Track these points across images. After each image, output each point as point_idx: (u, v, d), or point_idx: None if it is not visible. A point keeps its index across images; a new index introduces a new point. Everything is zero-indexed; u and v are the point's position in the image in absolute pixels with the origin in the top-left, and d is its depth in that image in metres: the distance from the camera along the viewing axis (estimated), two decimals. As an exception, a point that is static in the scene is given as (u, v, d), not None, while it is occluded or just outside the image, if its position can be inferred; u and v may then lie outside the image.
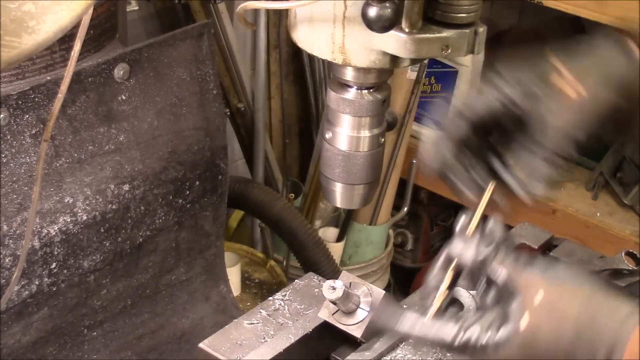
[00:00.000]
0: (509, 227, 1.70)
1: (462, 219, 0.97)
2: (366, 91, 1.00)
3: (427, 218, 3.15)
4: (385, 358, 1.10)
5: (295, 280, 1.22)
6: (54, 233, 1.44)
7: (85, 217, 1.48)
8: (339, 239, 2.58)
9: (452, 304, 1.40)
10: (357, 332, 1.08)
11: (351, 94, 1.00)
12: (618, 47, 1.01)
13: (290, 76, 2.83)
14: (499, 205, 1.01)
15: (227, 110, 2.50)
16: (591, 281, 0.92)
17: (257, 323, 1.13)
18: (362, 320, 1.08)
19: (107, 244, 1.54)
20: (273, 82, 2.75)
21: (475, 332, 0.90)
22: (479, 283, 0.94)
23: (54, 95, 1.34)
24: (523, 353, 0.90)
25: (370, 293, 1.09)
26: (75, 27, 0.83)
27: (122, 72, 1.46)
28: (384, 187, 2.70)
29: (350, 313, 1.09)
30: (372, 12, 0.87)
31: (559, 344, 0.89)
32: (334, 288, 1.05)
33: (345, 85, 1.00)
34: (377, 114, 1.02)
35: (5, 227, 1.37)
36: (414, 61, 0.96)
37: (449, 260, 0.96)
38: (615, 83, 0.99)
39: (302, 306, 1.16)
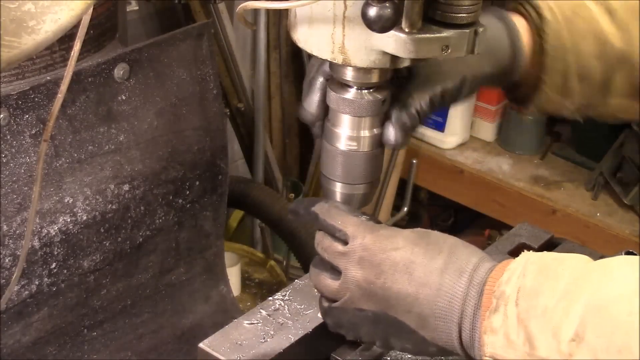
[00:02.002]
0: (508, 228, 1.70)
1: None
2: (366, 91, 1.00)
3: (427, 218, 3.15)
4: (385, 358, 1.10)
5: (295, 280, 1.22)
6: (54, 233, 1.44)
7: (85, 217, 1.48)
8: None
9: None
10: (357, 332, 1.08)
11: (351, 94, 1.01)
12: (503, 25, 1.09)
13: (290, 76, 2.83)
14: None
15: (227, 110, 2.51)
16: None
17: (257, 323, 1.13)
18: (362, 320, 1.08)
19: (107, 244, 1.54)
20: (273, 82, 2.75)
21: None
22: None
23: (54, 95, 1.34)
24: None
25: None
26: (75, 27, 0.83)
27: (122, 72, 1.46)
28: (384, 187, 2.70)
29: (350, 313, 1.09)
30: (372, 12, 0.87)
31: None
32: (334, 288, 1.05)
33: (345, 85, 1.01)
34: (377, 114, 1.02)
35: (5, 227, 1.37)
36: (414, 61, 0.96)
37: None
38: (493, 57, 1.08)
39: (302, 306, 1.16)
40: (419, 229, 1.00)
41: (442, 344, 0.95)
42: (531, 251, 0.92)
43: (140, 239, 1.60)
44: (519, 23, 1.10)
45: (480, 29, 0.93)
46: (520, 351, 0.86)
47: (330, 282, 1.01)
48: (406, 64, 0.96)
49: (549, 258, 0.90)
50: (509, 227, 1.77)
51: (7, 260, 1.38)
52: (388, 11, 0.87)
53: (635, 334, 0.78)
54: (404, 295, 0.95)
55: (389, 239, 0.98)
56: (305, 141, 2.97)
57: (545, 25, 1.10)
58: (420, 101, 1.01)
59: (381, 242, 0.97)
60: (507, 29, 1.09)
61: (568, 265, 0.87)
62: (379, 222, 1.03)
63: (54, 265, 1.46)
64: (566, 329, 0.82)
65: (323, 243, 1.02)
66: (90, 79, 1.42)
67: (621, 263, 0.85)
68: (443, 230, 1.02)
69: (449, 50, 0.92)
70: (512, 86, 1.15)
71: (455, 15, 0.91)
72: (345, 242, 0.99)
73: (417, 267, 0.95)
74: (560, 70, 1.10)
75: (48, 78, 1.37)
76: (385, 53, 0.93)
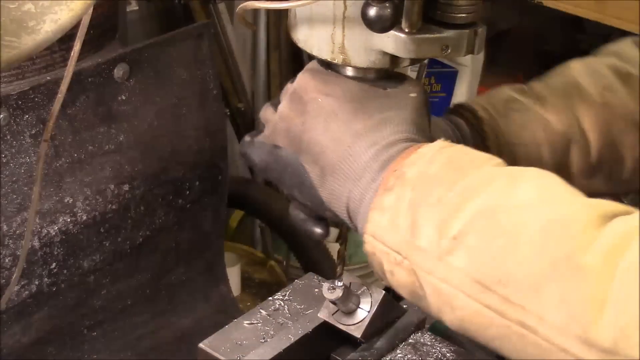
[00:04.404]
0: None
1: None
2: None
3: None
4: (385, 358, 1.10)
5: (295, 280, 1.22)
6: (54, 233, 1.44)
7: (85, 217, 1.48)
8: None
9: None
10: (357, 332, 1.08)
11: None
12: (445, 123, 1.13)
13: (290, 76, 2.83)
14: None
15: (227, 111, 2.51)
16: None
17: (257, 323, 1.13)
18: (362, 320, 1.08)
19: (107, 244, 1.54)
20: (273, 82, 2.75)
21: None
22: None
23: (54, 95, 1.34)
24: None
25: (370, 293, 1.09)
26: (75, 27, 0.83)
27: (122, 72, 1.46)
28: (384, 187, 2.70)
29: (350, 313, 1.09)
30: (372, 12, 0.87)
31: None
32: (334, 288, 1.05)
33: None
34: (377, 114, 1.02)
35: (5, 227, 1.37)
36: (413, 61, 0.96)
37: None
38: None
39: (302, 306, 1.16)
40: (381, 90, 0.96)
41: (335, 209, 0.93)
42: (449, 141, 0.89)
43: (140, 239, 1.60)
44: (463, 125, 1.12)
45: (480, 29, 0.93)
46: (401, 236, 0.84)
47: (270, 113, 1.00)
48: (406, 64, 0.96)
49: (462, 152, 0.87)
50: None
51: (7, 260, 1.38)
52: (388, 11, 0.87)
53: (512, 247, 0.76)
54: (314, 143, 0.93)
55: (329, 83, 0.96)
56: (305, 141, 2.97)
57: (483, 125, 1.11)
58: None
59: (320, 83, 0.96)
60: (452, 129, 1.12)
61: (479, 164, 0.84)
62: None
63: (54, 265, 1.46)
64: (452, 226, 0.80)
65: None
66: (90, 79, 1.42)
67: (532, 176, 0.82)
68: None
69: (449, 50, 0.92)
70: None
71: (455, 15, 0.91)
72: None
73: (337, 121, 0.93)
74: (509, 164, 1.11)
75: (48, 78, 1.37)
76: (385, 53, 0.93)
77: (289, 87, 1.00)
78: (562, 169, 1.13)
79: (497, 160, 0.86)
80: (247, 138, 1.02)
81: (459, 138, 1.10)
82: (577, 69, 1.18)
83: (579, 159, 1.14)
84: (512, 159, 1.09)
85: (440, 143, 0.88)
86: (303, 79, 0.98)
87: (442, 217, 0.81)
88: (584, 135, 1.13)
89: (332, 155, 0.92)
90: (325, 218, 1.03)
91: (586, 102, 1.14)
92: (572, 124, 1.13)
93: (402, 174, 0.86)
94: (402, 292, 0.88)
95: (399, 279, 0.86)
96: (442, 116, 1.14)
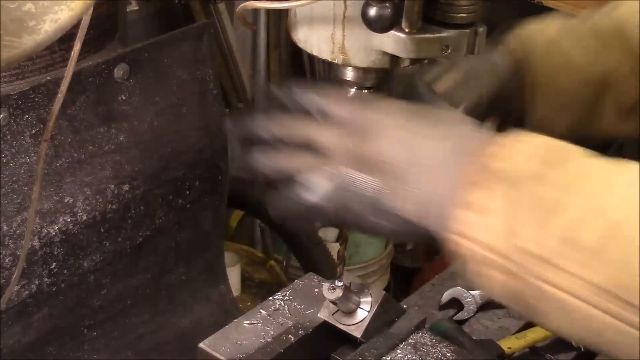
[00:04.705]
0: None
1: None
2: (366, 91, 1.00)
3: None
4: (385, 358, 1.10)
5: (295, 280, 1.22)
6: (54, 233, 1.44)
7: (85, 217, 1.48)
8: (339, 239, 2.58)
9: (452, 304, 1.41)
10: (357, 332, 1.09)
11: (351, 94, 1.01)
12: (487, 61, 1.13)
13: (290, 76, 2.84)
14: None
15: (227, 110, 2.51)
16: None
17: (257, 323, 1.13)
18: (362, 320, 1.08)
19: (107, 244, 1.54)
20: (273, 82, 2.75)
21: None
22: None
23: (54, 95, 1.34)
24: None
25: (370, 293, 1.10)
26: (75, 27, 0.84)
27: (122, 72, 1.46)
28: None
29: (350, 313, 1.09)
30: (372, 12, 0.87)
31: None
32: (334, 288, 1.05)
33: (345, 86, 1.01)
34: (377, 114, 1.02)
35: (5, 227, 1.37)
36: (413, 61, 0.96)
37: None
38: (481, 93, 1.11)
39: (302, 306, 1.16)
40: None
41: (409, 214, 0.87)
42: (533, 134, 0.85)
43: (140, 239, 1.60)
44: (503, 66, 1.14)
45: (480, 29, 0.93)
46: (496, 236, 0.79)
47: (309, 160, 0.92)
48: (406, 64, 0.96)
49: (551, 144, 0.83)
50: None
51: (7, 260, 1.38)
52: (388, 11, 0.87)
53: (634, 250, 0.72)
54: (380, 155, 0.88)
55: (372, 103, 0.95)
56: (305, 141, 2.97)
57: (524, 71, 1.13)
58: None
59: (363, 105, 0.94)
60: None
61: (572, 157, 0.81)
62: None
63: (54, 265, 1.46)
64: (557, 225, 0.76)
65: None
66: (90, 79, 1.42)
67: (633, 172, 0.78)
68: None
69: (449, 50, 0.92)
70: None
71: (454, 15, 0.91)
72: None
73: (397, 129, 0.90)
74: (543, 108, 1.11)
75: (48, 78, 1.37)
76: (385, 53, 0.94)
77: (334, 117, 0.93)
78: (595, 113, 1.13)
79: (587, 151, 0.83)
80: (286, 192, 0.93)
81: (499, 77, 1.11)
82: (628, 6, 1.16)
83: (614, 102, 1.13)
84: (547, 103, 1.11)
85: (526, 137, 0.83)
86: (344, 108, 0.94)
87: (544, 215, 0.76)
88: (621, 80, 1.13)
89: (402, 161, 0.87)
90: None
91: (628, 46, 1.13)
92: (611, 70, 1.12)
93: (489, 169, 0.81)
94: (494, 292, 0.82)
95: (492, 280, 0.81)
96: (489, 49, 1.14)
